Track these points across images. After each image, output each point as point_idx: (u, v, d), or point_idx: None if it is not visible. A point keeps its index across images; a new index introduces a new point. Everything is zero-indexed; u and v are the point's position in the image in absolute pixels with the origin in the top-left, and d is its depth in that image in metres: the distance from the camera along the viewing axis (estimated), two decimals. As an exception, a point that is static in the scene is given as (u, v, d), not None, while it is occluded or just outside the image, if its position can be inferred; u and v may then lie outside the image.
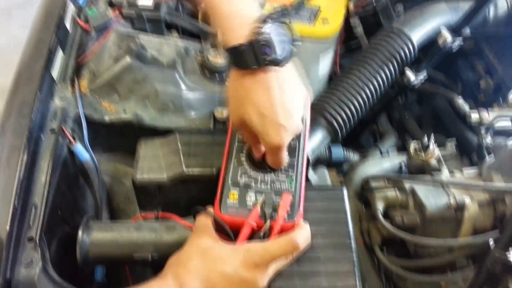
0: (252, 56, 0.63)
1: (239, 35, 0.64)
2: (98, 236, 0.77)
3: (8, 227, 0.73)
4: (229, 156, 0.74)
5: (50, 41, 0.98)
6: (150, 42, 1.06)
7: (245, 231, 0.66)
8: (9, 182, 0.77)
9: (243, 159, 0.73)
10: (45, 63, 0.94)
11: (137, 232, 0.78)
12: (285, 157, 0.71)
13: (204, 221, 0.69)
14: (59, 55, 1.00)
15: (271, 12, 0.68)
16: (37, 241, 0.75)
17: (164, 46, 1.07)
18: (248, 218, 0.67)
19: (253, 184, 0.70)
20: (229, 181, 0.71)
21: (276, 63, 0.65)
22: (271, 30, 0.64)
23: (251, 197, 0.69)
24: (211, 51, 1.07)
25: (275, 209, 0.68)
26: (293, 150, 0.73)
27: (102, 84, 0.99)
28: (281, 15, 0.69)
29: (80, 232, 0.77)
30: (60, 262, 0.80)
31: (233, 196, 0.69)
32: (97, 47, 1.08)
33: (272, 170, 0.72)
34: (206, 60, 1.06)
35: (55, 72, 0.97)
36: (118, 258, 0.77)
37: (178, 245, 0.77)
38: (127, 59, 1.00)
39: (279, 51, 0.64)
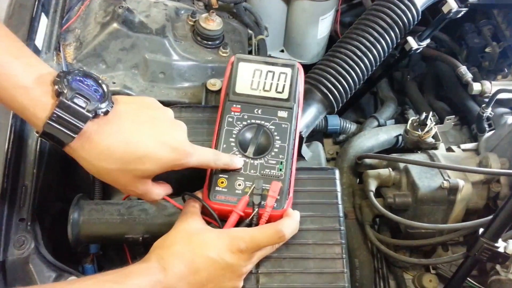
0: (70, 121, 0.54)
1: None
2: (89, 216, 0.78)
3: (-2, 210, 0.73)
4: (218, 140, 0.72)
5: (33, 6, 0.93)
6: (138, 5, 1.00)
7: (232, 220, 0.66)
8: (-3, 163, 0.76)
9: (232, 144, 0.71)
10: (28, 32, 0.90)
11: (128, 212, 0.78)
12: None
13: (191, 206, 0.68)
14: (43, 21, 0.95)
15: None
16: (29, 222, 0.75)
17: (153, 9, 1.01)
18: (236, 207, 0.66)
19: (242, 170, 0.69)
20: None
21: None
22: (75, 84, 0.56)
23: (240, 184, 0.68)
24: (203, 16, 1.01)
25: (264, 198, 0.67)
26: (284, 133, 0.71)
27: (88, 53, 0.95)
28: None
29: (71, 212, 0.77)
30: (55, 237, 0.82)
31: (221, 183, 0.68)
32: (82, 10, 1.02)
33: (262, 155, 0.70)
34: (198, 26, 1.01)
35: (39, 41, 0.92)
36: (109, 238, 0.78)
37: (168, 226, 0.77)
38: (114, 25, 0.95)
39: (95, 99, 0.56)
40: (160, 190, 0.66)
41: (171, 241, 0.63)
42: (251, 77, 0.73)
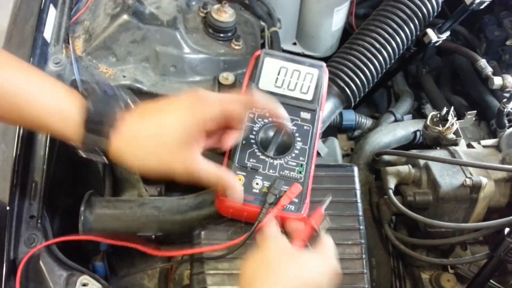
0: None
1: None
2: (100, 213, 0.76)
3: (8, 207, 0.71)
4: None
5: (41, -4, 0.90)
6: (148, -5, 0.98)
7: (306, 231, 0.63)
8: (6, 159, 0.74)
9: (252, 141, 0.68)
10: (37, 24, 0.87)
11: (140, 210, 0.76)
12: None
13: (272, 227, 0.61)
14: (51, 13, 0.92)
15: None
16: (39, 219, 0.73)
17: (163, 0, 0.98)
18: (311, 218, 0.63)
19: (261, 169, 0.66)
20: (236, 164, 0.66)
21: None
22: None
23: (258, 183, 0.65)
24: (215, 7, 0.98)
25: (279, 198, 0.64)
26: (305, 135, 0.68)
27: (98, 46, 0.92)
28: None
29: (82, 210, 0.75)
30: (65, 234, 0.80)
31: (239, 180, 0.66)
32: (91, 1, 1.00)
33: (282, 156, 0.67)
34: (210, 17, 0.98)
35: (48, 33, 0.90)
36: (121, 236, 0.76)
37: (181, 224, 0.76)
38: (124, 17, 0.92)
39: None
40: (213, 166, 0.60)
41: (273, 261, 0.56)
42: (276, 74, 0.71)
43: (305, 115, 0.69)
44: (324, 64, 0.72)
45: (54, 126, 0.58)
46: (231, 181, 0.61)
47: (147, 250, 0.69)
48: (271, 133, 0.68)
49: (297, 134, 0.68)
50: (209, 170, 0.59)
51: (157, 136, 0.57)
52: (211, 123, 0.58)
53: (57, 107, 0.57)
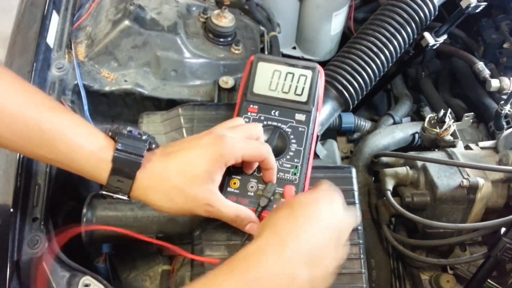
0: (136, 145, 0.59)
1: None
2: (102, 215, 0.77)
3: (11, 209, 0.72)
4: None
5: (44, 3, 0.92)
6: (149, 1, 0.99)
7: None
8: (10, 161, 0.76)
9: None
10: (40, 30, 0.89)
11: (142, 211, 0.77)
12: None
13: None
14: (54, 19, 0.94)
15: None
16: (42, 221, 0.75)
17: (164, 6, 1.00)
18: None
19: (256, 172, 0.67)
20: (231, 167, 0.68)
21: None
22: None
23: (252, 186, 0.66)
24: (215, 12, 1.00)
25: (271, 202, 0.65)
26: (300, 136, 0.69)
27: (100, 51, 0.94)
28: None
29: (84, 212, 0.76)
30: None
31: (234, 183, 0.67)
32: (93, 7, 1.02)
33: (277, 158, 0.68)
34: (210, 22, 1.00)
35: (51, 39, 0.92)
36: (123, 237, 0.77)
37: (182, 226, 0.77)
38: (125, 23, 0.94)
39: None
40: (232, 203, 0.63)
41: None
42: (270, 78, 0.71)
43: (300, 116, 0.70)
44: (317, 66, 0.72)
45: (82, 166, 0.59)
46: (251, 217, 0.63)
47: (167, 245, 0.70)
48: (265, 137, 0.68)
49: (291, 136, 0.69)
50: (229, 206, 0.62)
51: (184, 172, 0.58)
52: (231, 162, 0.61)
53: (92, 150, 0.58)
